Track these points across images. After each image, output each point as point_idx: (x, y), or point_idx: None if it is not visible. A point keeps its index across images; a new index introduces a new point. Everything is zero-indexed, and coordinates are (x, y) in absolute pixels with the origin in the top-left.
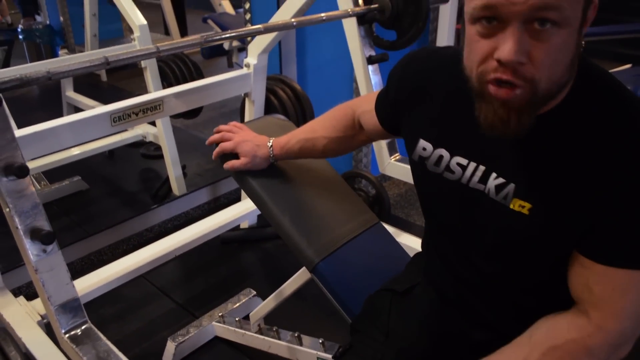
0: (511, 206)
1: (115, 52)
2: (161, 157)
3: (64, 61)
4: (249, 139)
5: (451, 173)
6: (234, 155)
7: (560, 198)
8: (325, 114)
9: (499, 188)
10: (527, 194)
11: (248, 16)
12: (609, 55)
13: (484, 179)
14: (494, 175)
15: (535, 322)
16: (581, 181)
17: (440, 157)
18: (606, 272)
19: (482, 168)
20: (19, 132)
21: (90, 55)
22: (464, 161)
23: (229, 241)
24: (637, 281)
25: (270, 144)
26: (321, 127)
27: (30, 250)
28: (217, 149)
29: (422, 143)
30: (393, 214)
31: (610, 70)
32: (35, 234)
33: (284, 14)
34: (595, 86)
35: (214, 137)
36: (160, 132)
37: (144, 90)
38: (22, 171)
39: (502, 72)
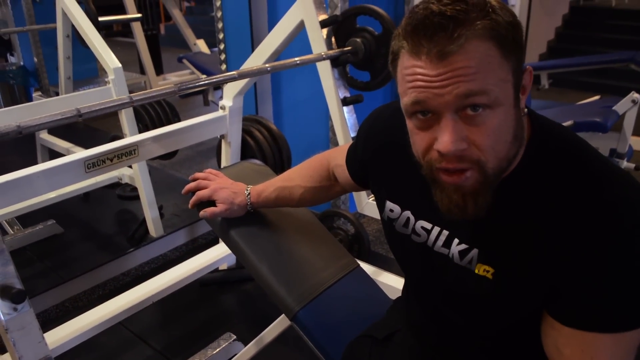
0: (476, 271)
1: (88, 102)
2: (137, 198)
3: (37, 107)
4: (226, 186)
5: (417, 236)
6: (211, 202)
7: (523, 262)
8: (303, 163)
9: (462, 253)
10: (490, 259)
11: (223, 56)
12: (575, 84)
13: (448, 243)
14: (456, 241)
15: None
16: (543, 245)
17: (408, 219)
18: (574, 335)
19: (445, 232)
20: None
21: (63, 104)
22: (428, 225)
23: (208, 283)
24: (606, 344)
25: (248, 191)
26: (298, 176)
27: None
28: (194, 198)
29: (390, 205)
30: (373, 250)
31: (580, 102)
32: (6, 293)
33: (258, 58)
34: (550, 148)
35: (190, 185)
36: (136, 173)
37: (120, 130)
38: None
39: (447, 162)
